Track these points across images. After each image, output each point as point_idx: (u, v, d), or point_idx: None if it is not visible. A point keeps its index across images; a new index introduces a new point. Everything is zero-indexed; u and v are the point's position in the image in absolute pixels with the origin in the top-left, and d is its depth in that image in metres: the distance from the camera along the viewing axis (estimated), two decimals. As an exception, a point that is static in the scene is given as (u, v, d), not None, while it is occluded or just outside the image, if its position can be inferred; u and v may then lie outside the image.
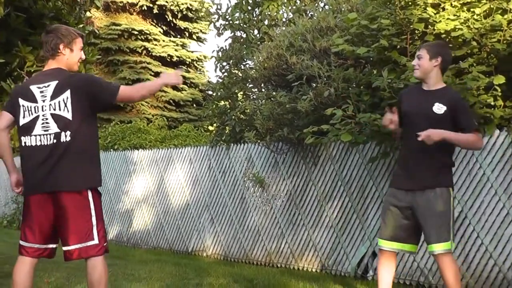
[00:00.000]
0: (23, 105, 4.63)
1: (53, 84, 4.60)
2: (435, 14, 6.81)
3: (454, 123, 5.20)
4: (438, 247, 5.19)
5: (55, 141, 4.54)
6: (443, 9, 6.91)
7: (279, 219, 9.41)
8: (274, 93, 9.05)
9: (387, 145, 7.57)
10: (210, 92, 13.18)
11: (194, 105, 23.38)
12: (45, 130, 4.57)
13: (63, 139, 4.52)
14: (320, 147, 8.86)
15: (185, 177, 11.34)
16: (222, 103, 11.72)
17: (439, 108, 5.21)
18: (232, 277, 7.96)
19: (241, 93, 11.39)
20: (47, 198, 4.56)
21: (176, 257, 10.36)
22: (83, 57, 4.89)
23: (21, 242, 4.67)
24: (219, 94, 11.64)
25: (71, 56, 4.73)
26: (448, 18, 6.72)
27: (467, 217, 7.07)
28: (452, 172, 5.45)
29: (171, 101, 22.81)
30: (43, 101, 4.59)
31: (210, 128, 17.26)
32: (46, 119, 4.57)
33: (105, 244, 4.60)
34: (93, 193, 4.58)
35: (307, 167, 9.08)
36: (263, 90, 10.03)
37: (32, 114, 4.62)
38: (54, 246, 4.67)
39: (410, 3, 6.93)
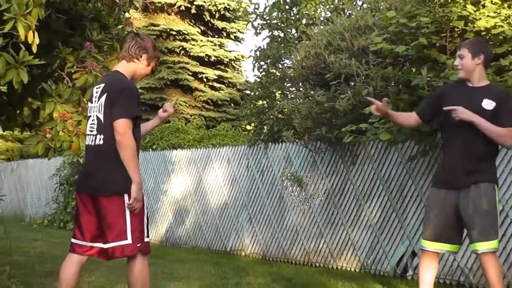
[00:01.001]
0: (89, 106, 4.87)
1: (102, 86, 4.75)
2: (475, 11, 6.75)
3: (497, 120, 5.13)
4: (483, 246, 5.12)
5: (94, 143, 4.69)
6: (483, 6, 6.84)
7: (318, 218, 9.39)
8: (312, 92, 9.04)
9: (426, 143, 7.51)
10: (248, 92, 13.19)
11: (232, 105, 23.41)
12: (90, 131, 4.74)
13: (98, 141, 4.66)
14: (359, 146, 8.83)
15: (223, 176, 11.37)
16: (260, 102, 11.73)
17: (488, 104, 5.14)
18: (270, 276, 7.97)
19: (279, 92, 11.39)
20: (88, 197, 4.69)
21: (215, 257, 10.39)
22: (148, 74, 5.06)
23: (71, 239, 4.82)
24: (257, 93, 11.65)
25: (144, 69, 4.87)
26: (488, 15, 6.65)
27: (508, 215, 6.99)
28: (496, 168, 5.38)
29: (209, 100, 22.87)
30: (95, 101, 4.75)
31: (248, 127, 17.27)
32: (93, 120, 4.73)
33: (139, 245, 4.63)
34: (129, 197, 4.61)
35: (346, 166, 9.05)
36: (301, 89, 10.01)
37: (89, 113, 4.84)
38: (101, 245, 4.71)
39: (449, 1, 6.87)
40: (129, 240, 4.59)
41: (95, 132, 4.69)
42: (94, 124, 4.71)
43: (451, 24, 6.83)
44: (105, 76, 4.93)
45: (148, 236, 4.76)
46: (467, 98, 5.24)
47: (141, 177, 4.68)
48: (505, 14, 6.63)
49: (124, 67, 4.82)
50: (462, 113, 5.11)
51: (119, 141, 4.51)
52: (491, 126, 5.10)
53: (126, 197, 4.59)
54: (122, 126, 4.52)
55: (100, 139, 4.65)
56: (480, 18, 6.67)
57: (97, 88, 4.78)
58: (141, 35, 4.89)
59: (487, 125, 5.10)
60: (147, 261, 4.74)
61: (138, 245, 4.62)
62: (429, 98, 5.77)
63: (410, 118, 5.62)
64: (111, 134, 4.57)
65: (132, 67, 4.82)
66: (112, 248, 4.62)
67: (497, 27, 6.58)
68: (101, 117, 4.65)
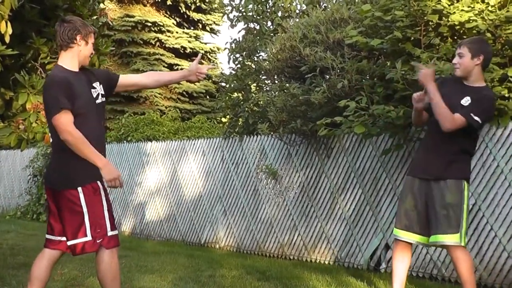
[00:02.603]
0: None
1: None
2: (449, 5, 6.78)
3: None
4: (441, 238, 5.19)
5: (51, 139, 4.67)
6: (457, 0, 6.88)
7: (292, 211, 9.41)
8: (287, 84, 9.04)
9: (401, 137, 7.55)
10: (223, 84, 13.16)
11: (207, 97, 23.38)
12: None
13: (50, 139, 4.65)
14: (333, 139, 8.85)
15: (198, 168, 11.35)
16: (235, 95, 11.71)
17: (466, 101, 5.17)
18: (244, 269, 7.97)
19: (254, 85, 11.38)
20: (50, 191, 4.70)
21: (189, 249, 10.38)
22: (93, 52, 4.87)
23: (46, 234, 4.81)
24: (232, 85, 11.63)
25: (84, 49, 4.70)
26: (462, 10, 6.69)
27: (481, 209, 7.05)
28: (469, 164, 5.42)
29: (184, 92, 22.81)
30: None
31: (223, 120, 17.27)
32: None
33: (99, 240, 4.55)
34: (84, 191, 4.53)
35: (320, 159, 9.07)
36: (276, 82, 10.01)
37: None
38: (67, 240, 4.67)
39: (424, -5, 6.90)
40: (88, 237, 4.53)
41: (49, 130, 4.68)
42: None
43: (425, 18, 6.86)
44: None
45: (114, 229, 4.67)
46: (453, 92, 5.28)
47: (103, 159, 4.53)
48: (479, 9, 6.67)
49: (64, 58, 4.68)
50: (423, 75, 5.24)
51: (63, 139, 4.43)
52: (440, 103, 5.13)
53: (80, 191, 4.51)
54: (59, 121, 4.42)
55: (50, 136, 4.64)
56: (454, 12, 6.71)
57: None
58: (65, 19, 4.74)
59: (438, 99, 5.14)
60: (116, 254, 4.66)
61: (98, 240, 4.54)
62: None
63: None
64: (53, 130, 4.52)
65: (72, 53, 4.66)
66: (73, 245, 4.57)
67: (471, 21, 6.62)
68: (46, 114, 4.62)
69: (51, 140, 4.62)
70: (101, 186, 4.60)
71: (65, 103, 4.41)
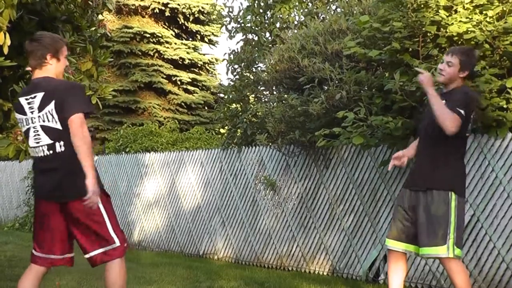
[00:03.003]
0: (19, 118, 4.67)
1: (40, 95, 4.54)
2: (447, 16, 6.79)
3: None
4: (428, 251, 5.19)
5: (51, 152, 4.51)
6: (456, 11, 6.89)
7: (290, 222, 9.40)
8: (285, 95, 9.05)
9: (399, 148, 7.52)
10: (221, 95, 13.20)
11: (206, 108, 23.39)
12: (36, 142, 4.56)
13: (58, 149, 4.50)
14: (332, 150, 8.84)
15: (197, 180, 11.34)
16: (234, 105, 11.71)
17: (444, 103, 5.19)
18: (243, 280, 7.96)
19: (253, 95, 11.39)
20: (52, 207, 4.59)
21: (187, 260, 10.36)
22: (67, 63, 4.79)
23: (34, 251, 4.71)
24: (230, 96, 11.64)
25: (57, 66, 4.64)
26: (460, 21, 6.70)
27: (479, 220, 7.04)
28: (459, 176, 5.35)
29: (182, 103, 22.82)
30: (32, 112, 4.56)
31: (222, 131, 17.25)
32: (37, 131, 4.55)
33: (125, 245, 4.61)
34: (102, 200, 4.52)
35: (319, 170, 9.07)
36: (274, 92, 10.02)
37: (24, 126, 4.64)
38: (86, 255, 4.63)
39: (422, 6, 6.90)
40: (117, 243, 4.55)
41: (47, 142, 4.50)
42: (40, 134, 4.53)
43: (423, 29, 6.87)
44: (36, 85, 4.62)
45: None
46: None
47: (94, 169, 4.41)
48: (477, 20, 6.68)
49: (44, 74, 4.61)
50: (425, 79, 5.24)
51: (75, 139, 4.37)
52: (442, 106, 5.10)
53: (100, 200, 4.49)
54: (79, 121, 4.37)
55: (61, 146, 4.48)
56: (453, 23, 6.71)
57: (31, 99, 4.56)
58: (34, 38, 4.68)
59: (438, 103, 5.12)
60: (125, 262, 4.65)
61: (125, 245, 4.58)
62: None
63: None
64: (63, 134, 4.44)
65: (49, 71, 4.61)
66: (97, 255, 4.55)
67: (469, 32, 6.62)
68: (55, 125, 4.48)
69: (58, 151, 4.48)
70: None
71: (91, 106, 4.52)
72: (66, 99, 4.43)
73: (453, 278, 5.17)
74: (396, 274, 5.46)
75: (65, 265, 4.69)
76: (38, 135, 4.53)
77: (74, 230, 4.58)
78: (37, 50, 4.57)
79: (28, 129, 4.58)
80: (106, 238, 4.52)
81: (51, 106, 4.47)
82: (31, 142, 4.59)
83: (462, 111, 5.07)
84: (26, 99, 4.58)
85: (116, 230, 4.57)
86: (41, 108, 4.50)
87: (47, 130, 4.50)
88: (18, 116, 4.67)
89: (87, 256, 4.60)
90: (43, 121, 4.50)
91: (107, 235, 4.52)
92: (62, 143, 4.48)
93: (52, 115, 4.47)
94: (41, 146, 4.53)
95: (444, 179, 5.23)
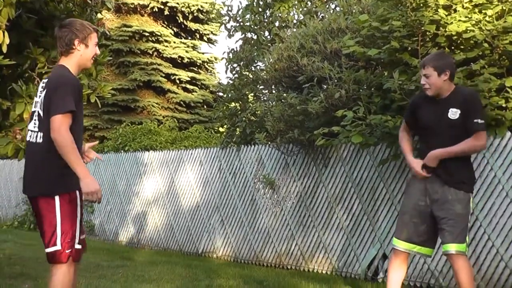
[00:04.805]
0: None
1: (46, 82, 4.60)
2: (446, 15, 6.79)
3: (465, 126, 5.22)
4: (454, 248, 5.21)
5: (34, 140, 4.52)
6: (455, 10, 6.89)
7: (289, 220, 9.40)
8: (284, 94, 9.05)
9: (398, 147, 7.54)
10: (220, 94, 13.20)
11: (205, 107, 23.36)
12: (33, 127, 4.56)
13: (38, 139, 4.49)
14: (331, 149, 8.85)
15: (195, 178, 11.34)
16: (233, 104, 11.71)
17: (453, 114, 5.22)
18: (242, 278, 7.96)
19: (252, 94, 11.39)
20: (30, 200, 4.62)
21: (186, 259, 10.36)
22: (98, 52, 4.78)
23: None
24: (229, 95, 11.64)
25: (85, 52, 4.63)
26: (459, 20, 6.70)
27: (478, 219, 7.05)
28: (474, 176, 5.51)
29: (181, 102, 22.79)
30: (39, 96, 4.59)
31: (221, 129, 17.28)
32: (36, 116, 4.57)
33: (68, 251, 4.41)
34: (60, 199, 4.41)
35: (318, 168, 9.07)
36: (273, 91, 10.02)
37: (33, 108, 4.67)
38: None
39: (421, 5, 6.91)
40: (58, 246, 4.39)
41: (36, 130, 4.51)
42: (36, 120, 4.54)
43: (423, 28, 6.87)
44: (51, 72, 4.73)
45: (79, 243, 4.51)
46: (435, 109, 5.34)
47: (85, 169, 4.34)
48: (476, 19, 6.69)
49: (65, 62, 4.62)
50: (430, 162, 5.26)
51: (54, 139, 4.31)
52: (459, 148, 5.23)
53: (57, 199, 4.39)
54: (57, 122, 4.31)
55: (40, 137, 4.47)
56: (452, 23, 6.72)
57: (43, 83, 4.63)
58: (63, 24, 4.66)
59: (456, 149, 5.23)
60: (74, 269, 4.50)
61: (67, 251, 4.40)
62: (408, 107, 5.79)
63: (407, 134, 5.71)
64: (45, 130, 4.41)
65: (74, 59, 4.61)
66: (48, 253, 4.45)
67: (468, 31, 6.63)
68: (41, 113, 4.49)
69: (38, 141, 4.47)
70: (78, 196, 4.46)
71: (73, 106, 4.35)
72: (51, 97, 4.42)
73: (460, 275, 5.19)
74: (397, 273, 5.48)
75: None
76: (35, 120, 4.55)
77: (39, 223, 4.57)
78: (65, 36, 4.56)
79: (33, 112, 4.61)
80: (52, 239, 4.41)
81: (43, 96, 4.51)
82: (30, 125, 4.61)
83: (483, 120, 5.20)
84: (43, 82, 4.64)
85: (64, 234, 4.41)
86: (41, 95, 4.54)
87: (39, 117, 4.51)
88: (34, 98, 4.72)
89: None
90: (40, 108, 4.52)
91: (54, 237, 4.40)
92: (41, 134, 4.47)
93: (42, 104, 4.50)
94: (32, 131, 4.54)
95: (468, 181, 5.34)
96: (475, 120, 5.16)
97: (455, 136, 5.22)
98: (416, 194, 5.43)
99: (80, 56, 4.62)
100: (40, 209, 4.49)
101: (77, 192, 4.44)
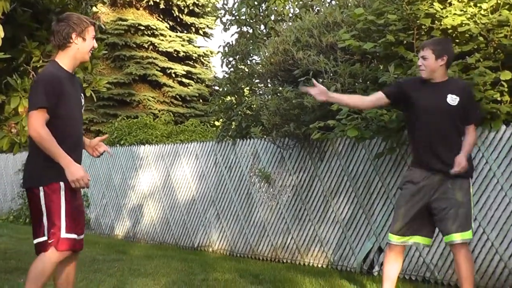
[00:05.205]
0: None
1: None
2: (441, 9, 6.80)
3: (463, 114, 5.27)
4: (460, 237, 5.24)
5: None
6: (450, 4, 6.90)
7: (285, 214, 9.41)
8: (280, 88, 9.05)
9: (393, 140, 7.56)
10: (216, 88, 13.20)
11: (201, 101, 23.35)
12: None
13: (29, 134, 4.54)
14: (326, 143, 8.85)
15: (191, 172, 11.34)
16: (229, 98, 11.71)
17: (453, 100, 5.29)
18: (238, 272, 7.96)
19: (248, 88, 11.39)
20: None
21: (182, 253, 10.36)
22: (96, 45, 4.79)
23: None
24: (225, 89, 11.64)
25: (83, 46, 4.63)
26: (455, 13, 6.71)
27: (473, 213, 7.05)
28: (471, 162, 5.53)
29: (177, 96, 22.78)
30: None
31: (217, 123, 17.25)
32: None
33: (51, 241, 4.42)
34: (45, 190, 4.45)
35: (313, 162, 9.07)
36: (269, 85, 10.02)
37: None
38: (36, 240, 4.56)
39: (416, -2, 6.92)
40: (45, 237, 4.44)
41: None
42: None
43: (418, 21, 6.88)
44: None
45: (70, 232, 4.47)
46: (431, 94, 5.37)
47: (67, 158, 4.36)
48: (471, 12, 6.69)
49: (61, 57, 4.63)
50: (460, 167, 5.21)
51: (31, 136, 4.37)
52: (469, 146, 5.35)
53: (42, 190, 4.43)
54: (31, 119, 4.35)
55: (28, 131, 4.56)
56: (447, 16, 6.72)
57: None
58: (60, 17, 4.67)
59: (470, 146, 5.38)
60: (59, 258, 4.48)
61: (50, 241, 4.42)
62: (398, 82, 5.84)
63: (368, 98, 5.77)
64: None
65: (71, 52, 4.62)
66: (35, 244, 4.51)
67: (463, 25, 6.64)
68: None
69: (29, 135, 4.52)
70: (63, 186, 4.46)
71: (44, 101, 4.35)
72: (30, 93, 4.49)
73: (461, 265, 5.23)
74: (393, 267, 5.50)
75: None
76: None
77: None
78: (63, 29, 4.57)
79: None
80: (40, 231, 4.46)
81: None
82: None
83: (478, 111, 5.28)
84: None
85: (49, 225, 4.44)
86: None
87: None
88: None
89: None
90: None
91: (42, 228, 4.45)
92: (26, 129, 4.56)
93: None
94: None
95: (467, 167, 5.30)
96: (477, 112, 5.29)
97: (450, 122, 5.30)
98: (412, 189, 5.45)
99: (77, 49, 4.63)
100: (29, 201, 4.58)
101: (61, 183, 4.45)
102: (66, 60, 4.63)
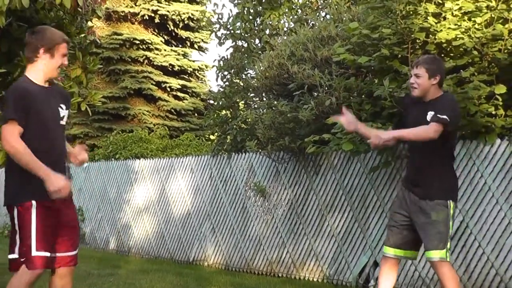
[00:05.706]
0: None
1: None
2: (436, 23, 6.82)
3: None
4: (432, 254, 5.24)
5: None
6: (444, 18, 6.93)
7: (281, 228, 9.40)
8: (275, 102, 9.05)
9: (389, 154, 7.57)
10: (211, 102, 13.21)
11: (196, 114, 23.35)
12: None
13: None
14: (322, 156, 8.85)
15: (187, 186, 11.33)
16: (224, 112, 11.72)
17: (430, 116, 5.22)
18: (233, 286, 7.95)
19: (242, 102, 11.40)
20: None
21: (177, 267, 10.34)
22: (66, 63, 4.64)
23: None
24: (220, 103, 11.65)
25: (50, 62, 4.51)
26: (449, 28, 6.73)
27: (468, 226, 7.06)
28: (454, 183, 5.47)
29: (172, 110, 22.78)
30: None
31: (212, 137, 17.24)
32: None
33: (22, 260, 4.37)
34: (18, 208, 4.41)
35: (309, 176, 9.07)
36: (264, 99, 10.03)
37: None
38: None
39: (411, 13, 6.94)
40: (15, 254, 4.41)
41: None
42: None
43: (412, 35, 6.90)
44: None
45: (41, 250, 4.37)
46: (418, 112, 5.34)
47: (45, 170, 4.26)
48: (466, 26, 6.72)
49: (30, 70, 4.55)
50: (375, 139, 5.17)
51: (5, 149, 4.32)
52: (408, 133, 5.22)
53: (15, 208, 4.40)
54: (4, 133, 4.28)
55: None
56: (441, 30, 6.75)
57: None
58: (34, 30, 4.58)
59: (402, 133, 5.25)
60: (31, 278, 4.40)
61: (22, 259, 4.37)
62: (403, 110, 5.82)
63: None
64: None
65: (39, 66, 4.51)
66: (9, 260, 4.48)
67: (457, 39, 6.66)
68: None
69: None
70: (35, 205, 4.37)
71: (12, 114, 4.29)
72: (3, 108, 4.43)
73: (445, 283, 5.21)
74: (388, 280, 5.50)
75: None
76: None
77: None
78: (32, 42, 4.51)
79: None
80: (12, 247, 4.44)
81: None
82: None
83: (447, 117, 5.09)
84: None
85: (21, 243, 4.40)
86: None
87: None
88: None
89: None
90: None
91: (14, 245, 4.43)
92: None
93: None
94: None
95: (444, 189, 5.30)
96: (438, 114, 5.10)
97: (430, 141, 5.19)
98: (397, 203, 5.52)
99: (44, 65, 4.52)
100: (10, 217, 4.53)
101: (33, 202, 4.38)
102: (34, 74, 4.54)
